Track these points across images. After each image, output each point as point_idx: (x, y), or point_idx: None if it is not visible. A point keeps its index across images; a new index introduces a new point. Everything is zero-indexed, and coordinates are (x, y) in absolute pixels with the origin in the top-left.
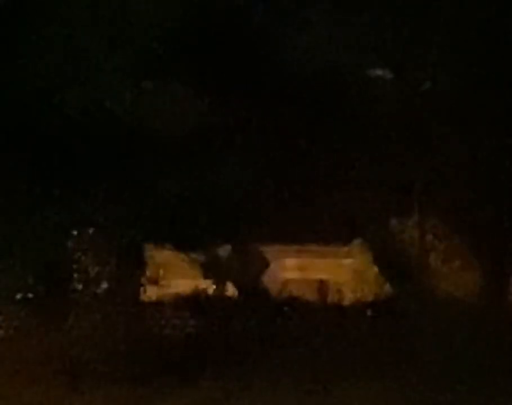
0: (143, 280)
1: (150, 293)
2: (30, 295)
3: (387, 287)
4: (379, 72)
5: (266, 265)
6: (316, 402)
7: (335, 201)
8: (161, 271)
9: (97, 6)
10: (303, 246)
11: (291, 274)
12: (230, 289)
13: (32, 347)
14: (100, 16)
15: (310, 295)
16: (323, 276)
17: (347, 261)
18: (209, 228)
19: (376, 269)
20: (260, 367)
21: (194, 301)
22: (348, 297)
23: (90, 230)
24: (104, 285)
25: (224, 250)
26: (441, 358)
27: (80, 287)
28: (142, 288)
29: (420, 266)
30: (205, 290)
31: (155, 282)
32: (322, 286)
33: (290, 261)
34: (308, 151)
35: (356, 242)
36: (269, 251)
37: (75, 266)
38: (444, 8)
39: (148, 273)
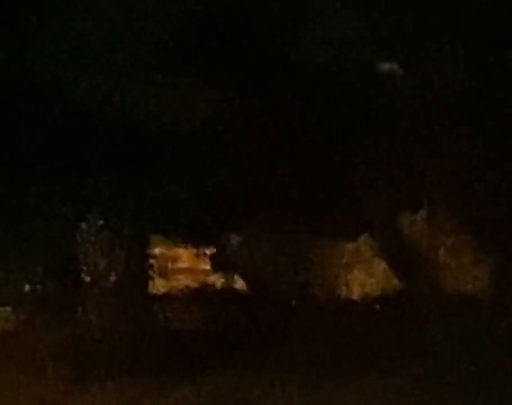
0: (151, 273)
1: (158, 286)
2: (38, 288)
3: (396, 282)
4: (389, 67)
5: (275, 257)
6: (324, 396)
7: (343, 195)
8: (170, 264)
9: None
10: (311, 238)
11: (299, 267)
12: (239, 283)
13: (40, 340)
14: (110, 7)
15: (318, 288)
16: (330, 270)
17: (355, 255)
18: (217, 220)
19: (384, 263)
20: (269, 361)
21: (202, 295)
22: (356, 292)
23: (99, 223)
24: (113, 278)
25: (233, 243)
26: (450, 353)
27: (88, 279)
28: (150, 281)
29: (428, 261)
30: (213, 283)
31: (163, 275)
32: (330, 279)
33: (298, 254)
34: (316, 145)
35: (364, 236)
36: (278, 243)
37: (83, 258)
38: (455, 1)
39: (156, 266)
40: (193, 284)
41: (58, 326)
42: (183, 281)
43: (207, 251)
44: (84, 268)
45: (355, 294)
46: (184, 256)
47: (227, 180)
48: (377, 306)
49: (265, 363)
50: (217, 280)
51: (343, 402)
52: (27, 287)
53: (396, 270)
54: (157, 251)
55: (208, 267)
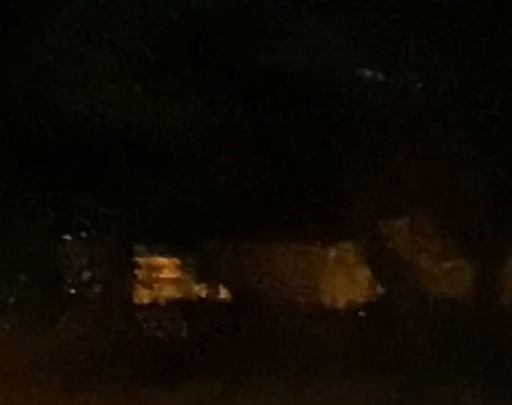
0: (135, 283)
1: (142, 296)
2: (22, 299)
3: (379, 289)
4: (370, 73)
5: (259, 266)
6: (308, 403)
7: (326, 202)
8: (153, 274)
9: (87, 8)
10: (294, 246)
11: (282, 276)
12: (223, 292)
13: (25, 350)
14: (90, 18)
15: (301, 296)
16: (314, 278)
17: (338, 262)
18: (201, 230)
19: (367, 270)
20: (253, 370)
21: (186, 304)
22: (340, 299)
23: (82, 234)
24: (97, 288)
25: (217, 253)
26: (434, 359)
27: (72, 290)
28: (134, 291)
29: (411, 267)
30: (197, 293)
31: (147, 284)
32: (313, 287)
33: (281, 263)
34: (299, 151)
35: (347, 243)
36: (262, 252)
37: (67, 270)
38: (436, 7)
39: (140, 276)
40: (177, 294)
41: (43, 336)
42: (167, 291)
43: (191, 261)
44: (68, 278)
45: (339, 301)
46: (168, 266)
47: (210, 190)
48: (361, 313)
49: (249, 371)
50: (201, 290)
51: None
52: (11, 299)
53: (379, 277)
54: (141, 261)
55: (192, 277)
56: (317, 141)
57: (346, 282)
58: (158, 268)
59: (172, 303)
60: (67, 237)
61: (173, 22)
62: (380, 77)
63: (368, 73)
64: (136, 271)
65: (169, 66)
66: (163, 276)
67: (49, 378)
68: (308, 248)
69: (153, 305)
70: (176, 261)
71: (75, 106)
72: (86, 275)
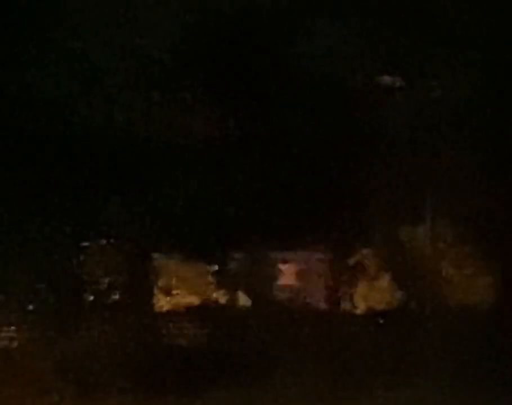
0: (154, 290)
1: (162, 303)
2: (42, 306)
3: (399, 295)
4: (389, 79)
5: (278, 273)
6: None
7: (346, 208)
8: (173, 281)
9: (106, 17)
10: (314, 253)
11: (303, 282)
12: (242, 299)
13: (44, 357)
14: (109, 27)
15: (321, 303)
16: (334, 284)
17: (359, 269)
18: (220, 237)
19: (387, 277)
20: (273, 376)
21: (206, 311)
22: (360, 306)
23: (102, 241)
24: (116, 296)
25: (236, 259)
26: (454, 366)
27: (91, 298)
28: (153, 299)
29: (431, 273)
30: (216, 300)
31: (166, 292)
32: (333, 294)
33: (301, 269)
34: (317, 159)
35: (368, 250)
36: (280, 258)
37: (86, 277)
38: (454, 15)
39: (159, 283)
40: (197, 301)
41: (62, 343)
42: (186, 298)
43: (211, 268)
44: (88, 286)
45: (359, 308)
46: (188, 273)
47: (229, 198)
48: (381, 320)
49: (269, 378)
50: (221, 296)
51: None
52: (31, 306)
53: (400, 284)
54: (160, 268)
55: (211, 284)
56: (336, 149)
57: (366, 289)
58: (178, 276)
59: (192, 311)
60: (87, 245)
61: (191, 30)
62: (398, 84)
63: (386, 80)
64: (156, 279)
65: (188, 75)
66: (183, 283)
67: (69, 385)
68: (329, 256)
69: (173, 312)
70: (196, 268)
71: (97, 115)
72: (105, 282)
